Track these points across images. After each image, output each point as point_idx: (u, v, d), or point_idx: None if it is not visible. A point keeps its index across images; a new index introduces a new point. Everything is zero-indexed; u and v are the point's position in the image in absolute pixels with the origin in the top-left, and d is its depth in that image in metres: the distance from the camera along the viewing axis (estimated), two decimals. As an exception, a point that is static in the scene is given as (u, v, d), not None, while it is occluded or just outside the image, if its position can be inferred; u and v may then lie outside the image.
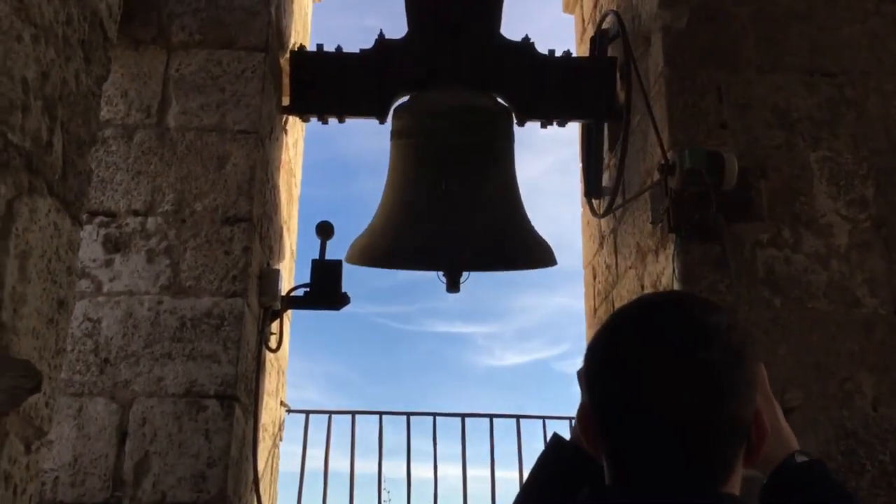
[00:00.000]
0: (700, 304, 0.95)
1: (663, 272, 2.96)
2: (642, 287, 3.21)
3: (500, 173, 3.56)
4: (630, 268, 3.37)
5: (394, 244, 3.44)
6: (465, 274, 3.42)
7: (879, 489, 2.57)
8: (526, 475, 1.18)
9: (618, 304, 3.54)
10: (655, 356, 0.87)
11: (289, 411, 3.93)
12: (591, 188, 3.87)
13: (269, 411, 3.43)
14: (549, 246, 3.55)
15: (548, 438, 1.19)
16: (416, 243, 3.43)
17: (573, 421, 1.17)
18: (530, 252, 3.51)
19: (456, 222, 3.38)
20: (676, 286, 2.75)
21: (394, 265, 3.56)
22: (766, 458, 0.95)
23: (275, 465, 3.66)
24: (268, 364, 3.26)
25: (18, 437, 1.10)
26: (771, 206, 2.90)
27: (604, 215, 3.65)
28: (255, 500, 2.93)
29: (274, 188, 3.35)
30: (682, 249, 2.82)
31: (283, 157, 3.56)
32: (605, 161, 3.80)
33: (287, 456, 3.92)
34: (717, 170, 2.77)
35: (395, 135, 3.59)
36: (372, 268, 3.53)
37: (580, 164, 4.04)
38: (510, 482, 4.18)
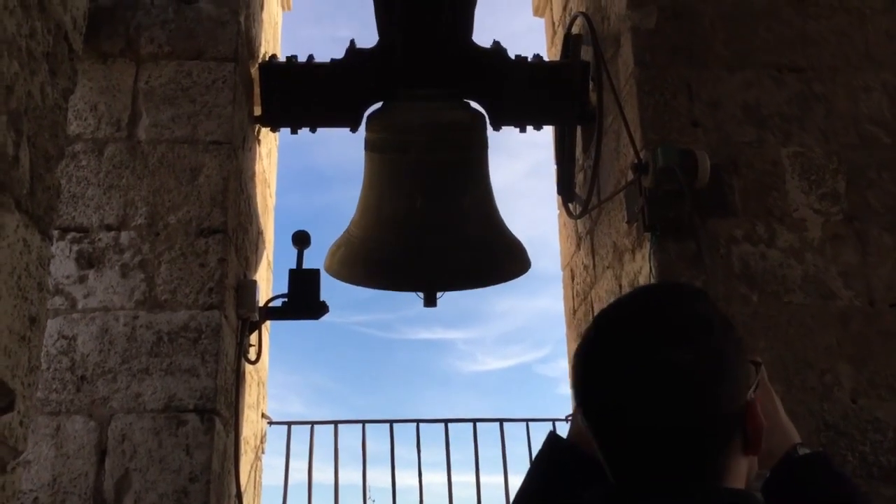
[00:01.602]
0: (681, 299, 0.94)
1: (640, 271, 2.97)
2: (620, 287, 3.22)
3: (474, 185, 3.59)
4: (608, 268, 3.38)
5: (372, 264, 3.50)
6: None
7: (860, 479, 2.59)
8: (511, 479, 1.17)
9: (596, 305, 3.56)
10: (632, 363, 0.88)
11: (270, 423, 3.90)
12: (566, 190, 3.88)
13: (251, 424, 3.40)
14: (523, 250, 3.58)
15: (532, 441, 1.20)
16: (393, 264, 3.49)
17: (566, 421, 1.16)
18: (505, 265, 3.58)
19: (432, 241, 3.43)
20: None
21: (372, 285, 3.60)
22: (767, 452, 0.95)
23: (258, 479, 3.63)
24: (248, 376, 3.23)
25: (-8, 458, 1.08)
26: (744, 202, 2.92)
27: (579, 216, 3.66)
28: (239, 513, 2.90)
29: (248, 199, 3.32)
30: (658, 248, 2.83)
31: (257, 167, 3.54)
32: (580, 162, 3.82)
33: (270, 469, 3.88)
34: (690, 167, 2.79)
35: (370, 147, 3.58)
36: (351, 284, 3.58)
37: (555, 167, 4.06)
38: (496, 487, 4.16)
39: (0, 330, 1.11)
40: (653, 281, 2.78)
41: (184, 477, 2.55)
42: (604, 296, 3.44)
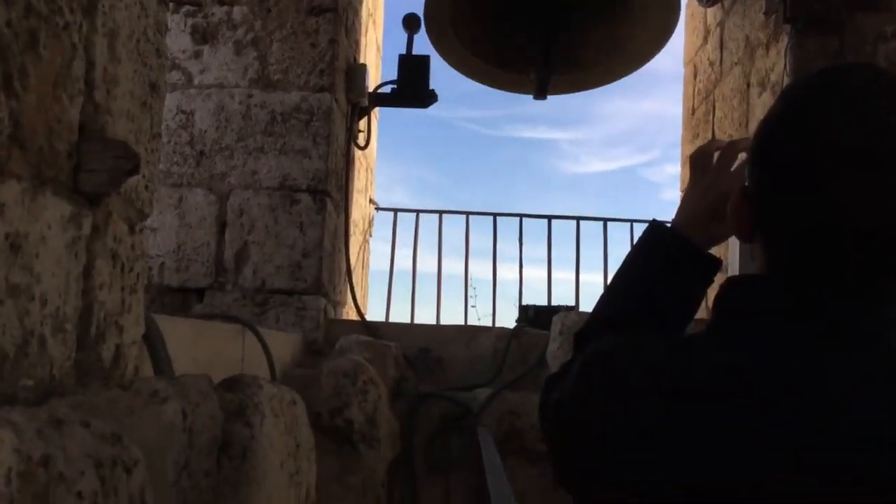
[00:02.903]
0: None
1: (773, 68, 2.76)
2: (748, 85, 3.01)
3: None
4: (736, 64, 3.15)
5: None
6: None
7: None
8: (610, 279, 1.10)
9: (719, 104, 3.36)
10: (874, 153, 0.71)
11: (377, 209, 4.00)
12: (699, -24, 3.56)
13: (359, 208, 3.49)
14: None
15: (637, 238, 1.10)
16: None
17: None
18: None
19: None
20: (787, 82, 2.57)
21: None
22: None
23: (365, 259, 3.78)
24: (356, 161, 3.27)
25: (122, 218, 1.13)
26: (902, -6, 2.62)
27: (711, 4, 3.38)
28: (349, 289, 3.05)
29: (358, -24, 3.20)
30: (795, 42, 2.60)
31: (368, -58, 3.37)
32: (716, -55, 3.46)
33: (376, 255, 4.03)
34: (845, -48, 2.49)
35: None
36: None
37: (687, -51, 3.70)
38: (594, 286, 4.23)
39: (122, 94, 1.11)
40: (787, 78, 2.58)
41: (297, 252, 2.67)
42: (728, 94, 3.24)
